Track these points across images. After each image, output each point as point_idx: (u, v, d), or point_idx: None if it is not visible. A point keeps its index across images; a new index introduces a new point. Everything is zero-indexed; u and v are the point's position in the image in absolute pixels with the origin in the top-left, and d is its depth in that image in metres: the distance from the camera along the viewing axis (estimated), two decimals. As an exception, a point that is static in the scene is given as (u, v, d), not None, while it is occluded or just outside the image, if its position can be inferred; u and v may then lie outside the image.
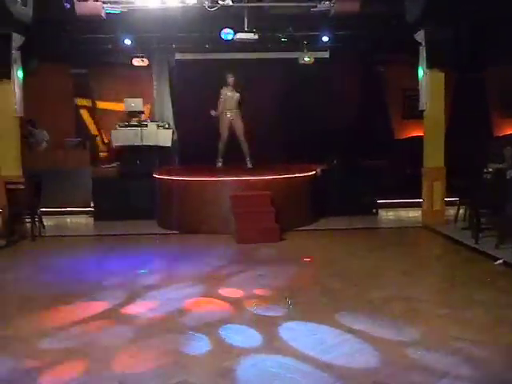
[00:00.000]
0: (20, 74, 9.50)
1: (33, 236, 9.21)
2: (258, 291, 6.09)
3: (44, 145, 12.72)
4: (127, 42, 12.27)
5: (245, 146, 11.03)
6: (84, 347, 4.59)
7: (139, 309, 5.60)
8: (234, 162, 11.15)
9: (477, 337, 4.65)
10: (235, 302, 5.70)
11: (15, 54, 9.25)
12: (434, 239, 9.16)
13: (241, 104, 10.94)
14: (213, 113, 10.78)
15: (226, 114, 10.90)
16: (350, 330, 4.83)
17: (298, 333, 4.82)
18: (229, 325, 5.03)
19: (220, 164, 11.14)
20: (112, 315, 5.41)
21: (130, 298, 5.91)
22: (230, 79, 10.84)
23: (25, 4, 8.51)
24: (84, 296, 6.02)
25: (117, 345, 4.65)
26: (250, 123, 11.16)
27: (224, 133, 10.99)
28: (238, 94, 10.88)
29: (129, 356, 4.43)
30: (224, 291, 6.12)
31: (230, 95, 10.86)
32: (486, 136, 13.19)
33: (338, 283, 6.40)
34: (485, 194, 8.43)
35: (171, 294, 6.04)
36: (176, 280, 6.69)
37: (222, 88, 10.90)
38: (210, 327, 4.96)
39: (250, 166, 11.02)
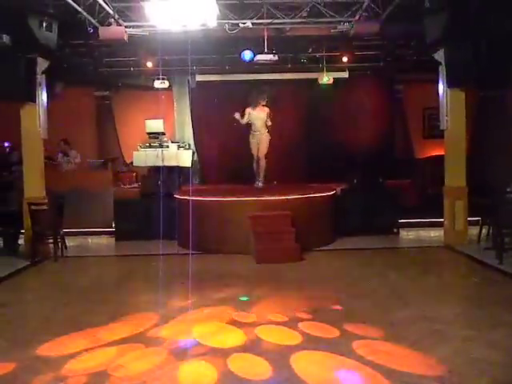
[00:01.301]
0: (44, 97, 9.67)
1: (55, 256, 9.28)
2: (275, 314, 5.99)
3: (72, 166, 12.79)
4: (149, 64, 12.46)
5: (261, 166, 11.00)
6: (112, 371, 4.56)
7: (164, 332, 5.52)
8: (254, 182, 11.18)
9: (503, 359, 4.56)
10: (249, 327, 5.59)
11: (40, 78, 9.43)
12: (456, 259, 9.03)
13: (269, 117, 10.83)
14: (236, 115, 10.70)
15: (253, 136, 10.94)
16: (372, 354, 4.76)
17: (311, 362, 4.70)
18: (240, 353, 4.92)
19: (260, 184, 11.01)
20: (135, 339, 5.34)
21: (152, 321, 5.86)
22: (260, 101, 10.84)
23: (50, 29, 8.68)
24: (107, 318, 6.00)
25: (140, 369, 4.63)
26: (270, 143, 11.17)
27: (255, 154, 10.99)
28: (265, 113, 10.82)
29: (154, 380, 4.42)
30: (240, 314, 6.03)
31: (255, 115, 10.81)
32: (508, 154, 13.04)
33: (358, 304, 6.34)
34: (508, 212, 8.31)
35: (188, 317, 5.97)
36: (194, 302, 6.60)
37: (248, 107, 10.80)
38: (220, 355, 4.86)
39: (260, 185, 10.95)
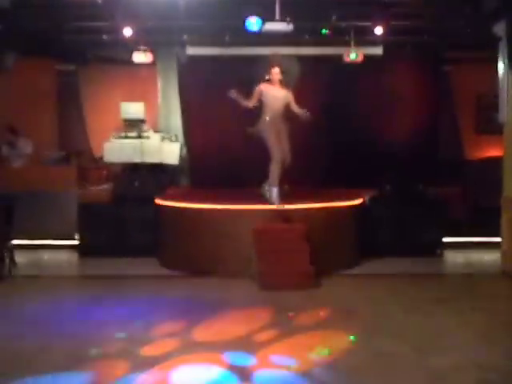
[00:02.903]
0: (-8, 70, 9.71)
1: (1, 276, 9.31)
2: (281, 358, 5.97)
3: (24, 160, 12.81)
4: (127, 31, 12.46)
5: (272, 170, 9.96)
6: None
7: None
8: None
9: None
10: (248, 375, 5.56)
11: (-14, 46, 9.48)
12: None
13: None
14: (232, 94, 9.76)
15: (270, 125, 9.88)
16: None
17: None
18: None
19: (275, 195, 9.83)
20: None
21: (122, 369, 5.73)
22: (275, 74, 9.87)
23: (1, -16, 8.72)
24: (65, 359, 5.93)
25: None
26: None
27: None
28: (285, 92, 9.93)
29: None
30: (237, 358, 6.00)
31: (272, 95, 9.85)
32: None
33: (391, 346, 6.33)
34: None
35: (169, 363, 5.88)
36: (177, 342, 6.55)
37: (262, 83, 9.92)
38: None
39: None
